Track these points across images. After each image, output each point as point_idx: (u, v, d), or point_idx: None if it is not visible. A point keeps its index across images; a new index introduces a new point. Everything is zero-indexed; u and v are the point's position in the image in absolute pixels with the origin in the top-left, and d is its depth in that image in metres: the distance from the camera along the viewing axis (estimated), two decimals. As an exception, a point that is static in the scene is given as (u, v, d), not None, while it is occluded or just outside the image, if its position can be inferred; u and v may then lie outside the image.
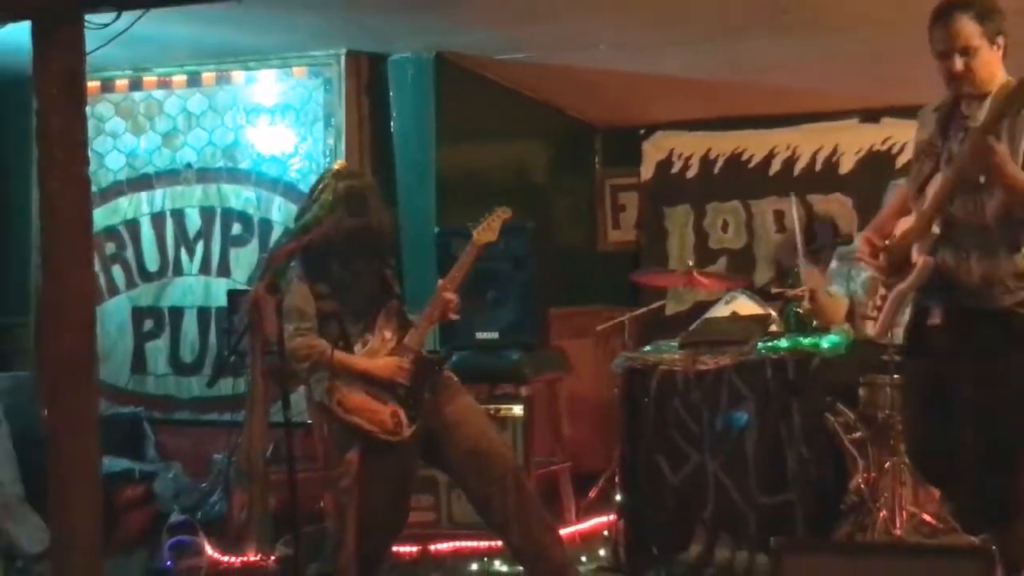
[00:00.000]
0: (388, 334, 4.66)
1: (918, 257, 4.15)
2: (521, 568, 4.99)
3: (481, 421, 4.79)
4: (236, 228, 6.77)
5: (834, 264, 6.17)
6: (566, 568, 4.79)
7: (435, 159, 6.45)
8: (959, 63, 4.00)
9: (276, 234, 6.52)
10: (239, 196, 6.76)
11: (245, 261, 6.71)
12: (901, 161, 6.58)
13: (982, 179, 3.98)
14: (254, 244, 6.71)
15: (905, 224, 4.26)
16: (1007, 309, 4.07)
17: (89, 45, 4.08)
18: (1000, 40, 4.01)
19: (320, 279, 4.65)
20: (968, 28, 4.01)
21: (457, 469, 4.75)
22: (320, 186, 4.72)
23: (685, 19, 5.68)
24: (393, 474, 4.65)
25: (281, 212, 6.63)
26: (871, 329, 4.45)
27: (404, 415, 4.59)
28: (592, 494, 6.17)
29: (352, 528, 4.58)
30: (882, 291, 4.33)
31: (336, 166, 4.82)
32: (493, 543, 5.62)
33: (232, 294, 6.39)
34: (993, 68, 4.05)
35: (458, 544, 5.68)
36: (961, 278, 4.10)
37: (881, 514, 5.04)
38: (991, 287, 4.06)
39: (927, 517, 5.19)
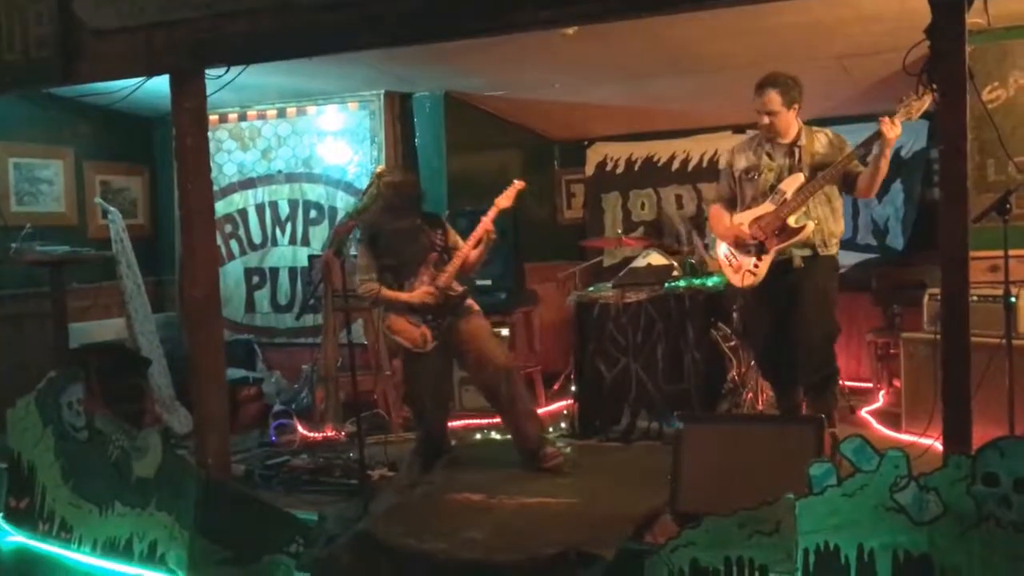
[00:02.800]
0: (426, 278, 4.62)
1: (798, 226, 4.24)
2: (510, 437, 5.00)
3: (485, 336, 4.69)
4: (313, 213, 6.75)
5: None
6: (539, 439, 4.71)
7: (445, 164, 6.44)
8: (766, 120, 4.18)
9: (339, 216, 6.50)
10: (314, 191, 6.73)
11: (319, 235, 6.68)
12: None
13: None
14: (325, 223, 6.68)
15: (756, 212, 4.34)
16: (830, 256, 4.17)
17: (209, 90, 4.07)
18: (796, 106, 4.20)
19: (377, 244, 4.63)
20: (773, 99, 4.19)
21: (469, 368, 4.75)
22: (368, 183, 4.73)
23: (610, 68, 5.66)
24: (427, 372, 4.66)
25: (342, 201, 6.60)
26: (748, 280, 4.44)
27: (429, 335, 4.59)
28: (556, 387, 6.18)
29: (423, 405, 4.67)
30: (754, 260, 4.37)
31: (378, 169, 4.80)
32: (491, 421, 5.69)
33: (311, 258, 6.39)
34: (789, 123, 4.28)
35: (467, 422, 5.73)
36: (807, 239, 4.22)
37: (748, 396, 5.08)
38: (823, 241, 4.19)
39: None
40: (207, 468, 3.96)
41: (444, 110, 6.38)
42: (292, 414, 5.71)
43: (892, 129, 3.90)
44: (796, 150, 4.30)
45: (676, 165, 7.21)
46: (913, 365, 4.92)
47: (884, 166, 4.06)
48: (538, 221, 7.27)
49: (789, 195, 4.27)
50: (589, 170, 7.52)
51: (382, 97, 6.43)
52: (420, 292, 4.61)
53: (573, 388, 5.50)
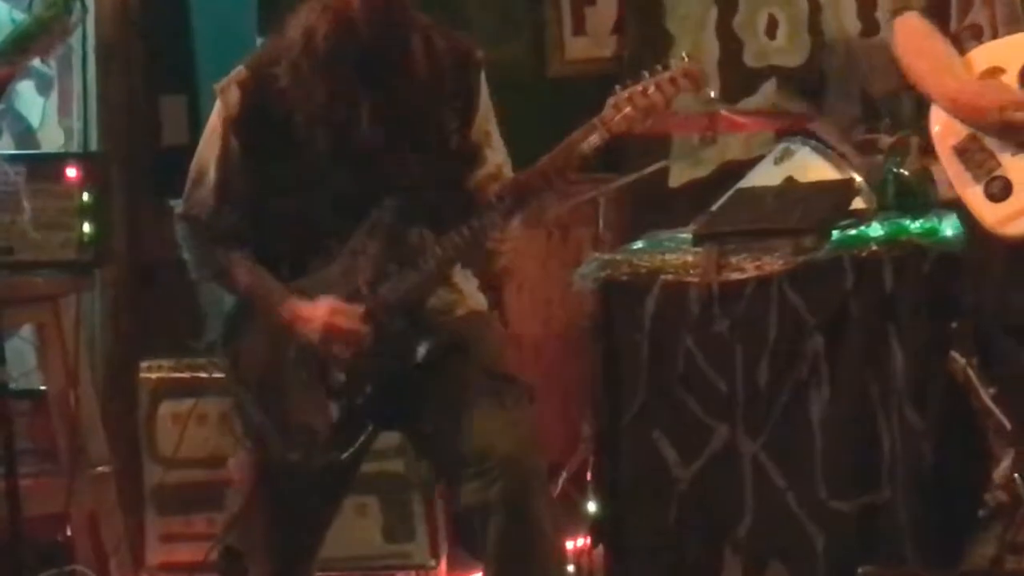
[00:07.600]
0: (363, 266, 4.50)
1: None
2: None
3: (488, 410, 4.56)
4: None
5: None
6: None
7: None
8: None
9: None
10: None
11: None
12: None
13: None
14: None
15: None
16: None
17: None
18: None
19: (264, 145, 4.55)
20: None
21: (439, 470, 4.78)
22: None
23: None
24: (295, 506, 4.65)
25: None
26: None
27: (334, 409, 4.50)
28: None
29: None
30: None
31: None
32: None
33: None
34: None
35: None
36: None
37: (1046, 521, 5.12)
38: None
39: None
40: None
41: None
42: None
43: None
44: None
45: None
46: None
47: None
48: (502, 69, 7.27)
49: None
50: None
51: None
52: (321, 314, 4.41)
53: (592, 507, 5.61)
